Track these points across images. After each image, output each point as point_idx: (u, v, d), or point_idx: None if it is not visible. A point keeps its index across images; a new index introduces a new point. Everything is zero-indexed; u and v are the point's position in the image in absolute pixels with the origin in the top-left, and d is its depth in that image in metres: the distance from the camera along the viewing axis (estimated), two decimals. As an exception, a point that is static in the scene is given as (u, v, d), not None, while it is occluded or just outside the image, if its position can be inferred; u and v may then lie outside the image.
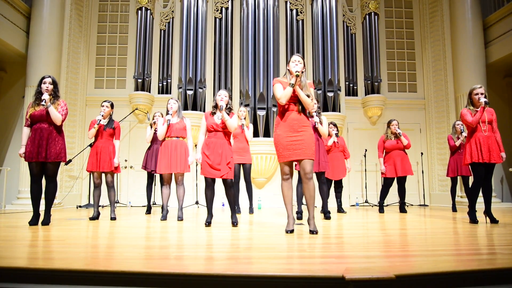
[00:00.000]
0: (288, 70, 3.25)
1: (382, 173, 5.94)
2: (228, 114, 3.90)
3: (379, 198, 6.11)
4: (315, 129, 4.73)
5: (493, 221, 3.98)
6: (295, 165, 4.25)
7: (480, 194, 4.05)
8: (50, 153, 3.80)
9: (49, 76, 3.99)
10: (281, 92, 3.17)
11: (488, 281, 1.70)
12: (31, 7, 7.12)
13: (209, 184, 3.91)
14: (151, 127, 5.68)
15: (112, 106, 4.77)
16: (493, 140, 3.96)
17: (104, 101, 4.75)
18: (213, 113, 3.97)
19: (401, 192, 5.87)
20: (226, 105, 3.93)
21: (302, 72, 3.15)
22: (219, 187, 4.36)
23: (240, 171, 5.72)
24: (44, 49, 6.92)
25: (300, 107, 3.21)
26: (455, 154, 5.96)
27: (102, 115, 4.58)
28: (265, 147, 7.80)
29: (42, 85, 3.91)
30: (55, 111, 3.85)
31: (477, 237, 2.96)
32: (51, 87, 3.92)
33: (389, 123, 5.95)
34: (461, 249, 2.36)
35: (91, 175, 4.73)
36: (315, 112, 4.76)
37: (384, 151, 5.97)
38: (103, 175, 4.71)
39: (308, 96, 3.16)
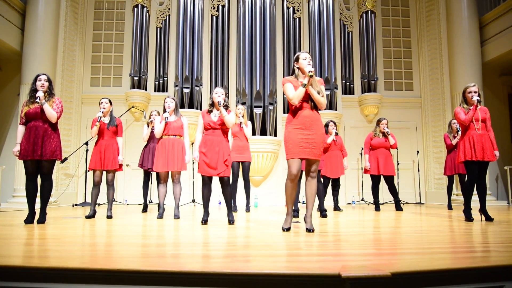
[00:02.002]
0: (298, 68, 3.18)
1: (365, 170, 5.98)
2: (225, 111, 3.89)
3: (373, 197, 6.15)
4: None
5: (488, 219, 4.01)
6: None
7: (475, 192, 4.07)
8: (45, 151, 3.78)
9: (44, 74, 3.95)
10: (293, 93, 3.10)
11: (483, 279, 1.71)
12: (26, 4, 7.07)
13: (206, 182, 3.91)
14: (148, 126, 5.66)
15: (110, 102, 4.76)
16: (486, 138, 3.98)
17: (103, 98, 4.72)
18: (209, 111, 3.95)
19: (392, 191, 5.90)
20: (223, 102, 3.92)
21: None
22: (216, 185, 4.36)
23: (239, 169, 5.73)
24: (39, 47, 6.87)
25: (312, 104, 3.15)
26: (452, 153, 5.99)
27: (103, 112, 4.56)
28: (262, 145, 7.79)
29: (37, 83, 3.87)
30: (49, 108, 3.82)
31: (472, 235, 2.98)
32: (46, 84, 3.90)
33: (378, 122, 6.00)
34: (456, 247, 2.37)
35: (92, 173, 4.69)
36: None
37: (370, 148, 6.02)
38: (104, 173, 4.69)
39: (319, 92, 3.13)
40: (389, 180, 5.86)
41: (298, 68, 3.19)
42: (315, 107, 3.18)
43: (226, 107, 3.89)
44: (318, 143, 3.12)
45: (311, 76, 3.03)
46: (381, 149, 5.87)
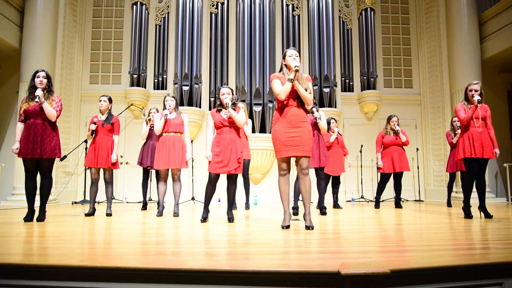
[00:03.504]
0: (285, 64, 3.19)
1: (378, 169, 5.93)
2: (234, 110, 3.86)
3: (375, 193, 6.13)
4: (315, 125, 4.74)
5: (487, 216, 4.02)
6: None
7: (474, 189, 4.07)
8: (45, 150, 3.76)
9: (43, 70, 3.89)
10: (280, 88, 3.11)
11: (482, 276, 1.71)
12: (24, 2, 7.04)
13: (212, 180, 3.89)
14: (147, 124, 5.66)
15: (110, 100, 4.72)
16: (486, 135, 3.97)
17: (102, 96, 4.70)
18: (219, 110, 3.94)
19: (397, 187, 5.89)
20: (231, 101, 3.90)
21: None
22: (218, 182, 4.34)
23: (238, 166, 5.73)
24: (38, 44, 6.85)
25: (299, 102, 3.17)
26: (454, 150, 5.98)
27: (95, 122, 4.56)
28: (261, 143, 7.79)
29: (36, 79, 3.82)
30: (49, 107, 3.78)
31: (472, 232, 2.98)
32: (45, 81, 3.85)
33: (389, 119, 5.94)
34: (456, 244, 2.38)
35: (89, 170, 4.68)
36: (314, 107, 4.75)
37: (382, 146, 5.99)
38: (102, 171, 4.67)
39: (306, 90, 3.12)
40: (399, 176, 5.85)
41: (285, 65, 3.19)
42: (302, 105, 3.18)
43: (234, 105, 3.88)
44: (306, 139, 3.11)
45: (296, 70, 3.04)
46: (394, 146, 5.83)
